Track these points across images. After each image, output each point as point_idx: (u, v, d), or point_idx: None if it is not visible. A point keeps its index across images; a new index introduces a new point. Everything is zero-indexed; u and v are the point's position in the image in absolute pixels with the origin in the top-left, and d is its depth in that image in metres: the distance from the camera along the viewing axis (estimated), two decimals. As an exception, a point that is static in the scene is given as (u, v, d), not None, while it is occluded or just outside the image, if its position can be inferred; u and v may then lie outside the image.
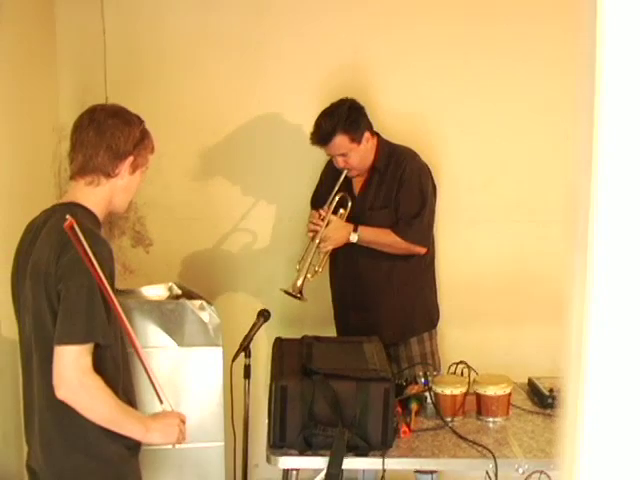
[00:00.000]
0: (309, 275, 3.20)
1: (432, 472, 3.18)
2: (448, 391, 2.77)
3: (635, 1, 0.74)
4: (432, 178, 3.33)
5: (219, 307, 2.82)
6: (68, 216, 1.89)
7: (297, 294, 3.16)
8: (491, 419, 2.78)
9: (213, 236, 3.78)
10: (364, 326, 3.20)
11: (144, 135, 2.19)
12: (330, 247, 3.21)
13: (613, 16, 0.73)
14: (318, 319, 3.51)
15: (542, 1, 3.57)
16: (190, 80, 3.68)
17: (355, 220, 3.24)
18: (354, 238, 3.18)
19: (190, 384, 2.72)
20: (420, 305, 3.38)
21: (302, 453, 2.50)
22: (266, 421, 2.61)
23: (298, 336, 2.94)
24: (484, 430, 2.72)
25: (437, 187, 3.45)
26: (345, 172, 3.22)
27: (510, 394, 2.82)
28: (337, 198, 3.25)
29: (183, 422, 2.14)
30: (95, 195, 2.14)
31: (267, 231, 3.79)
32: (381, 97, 3.64)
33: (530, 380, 3.08)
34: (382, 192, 3.26)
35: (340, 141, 3.13)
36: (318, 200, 3.37)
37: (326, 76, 3.63)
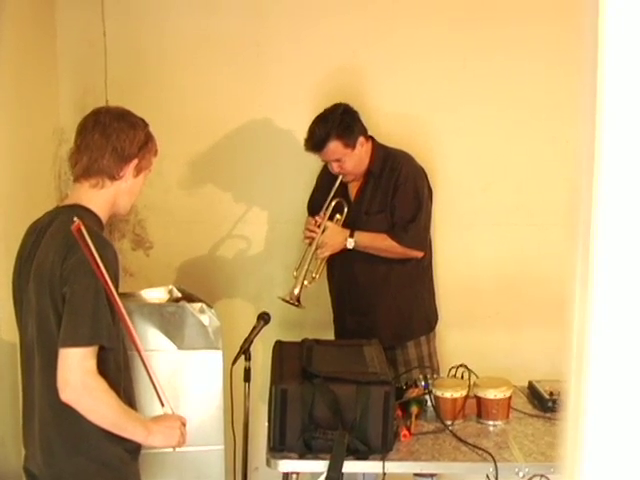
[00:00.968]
0: (306, 282, 3.20)
1: (431, 475, 3.18)
2: (448, 394, 2.77)
3: (636, 2, 0.74)
4: (428, 181, 3.33)
5: (219, 310, 2.81)
6: (76, 218, 1.90)
7: (295, 302, 3.16)
8: (491, 422, 2.78)
9: (213, 239, 3.78)
10: (361, 330, 3.20)
11: (148, 138, 2.20)
12: (327, 253, 3.21)
13: (615, 18, 0.73)
14: (318, 322, 3.51)
15: (540, 4, 3.58)
16: (190, 83, 3.69)
17: (351, 225, 3.24)
18: (350, 244, 3.18)
19: (190, 387, 2.71)
20: (417, 309, 3.38)
21: (302, 456, 2.50)
22: (266, 424, 2.60)
23: (298, 339, 2.93)
24: (484, 433, 2.72)
25: (436, 190, 3.45)
26: (340, 177, 3.22)
27: (510, 397, 2.82)
28: (333, 204, 3.24)
29: (184, 425, 2.14)
30: (99, 197, 2.14)
31: (267, 234, 3.79)
32: (379, 100, 3.64)
33: (530, 383, 3.07)
34: (378, 197, 3.25)
35: (334, 147, 3.13)
36: (314, 205, 3.37)
37: (324, 79, 3.63)
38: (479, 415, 2.81)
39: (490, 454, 2.51)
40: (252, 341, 2.97)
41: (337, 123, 3.11)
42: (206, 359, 2.73)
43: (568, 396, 0.86)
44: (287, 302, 3.17)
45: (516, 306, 3.78)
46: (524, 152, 3.73)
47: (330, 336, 3.43)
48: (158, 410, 2.11)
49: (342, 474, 2.46)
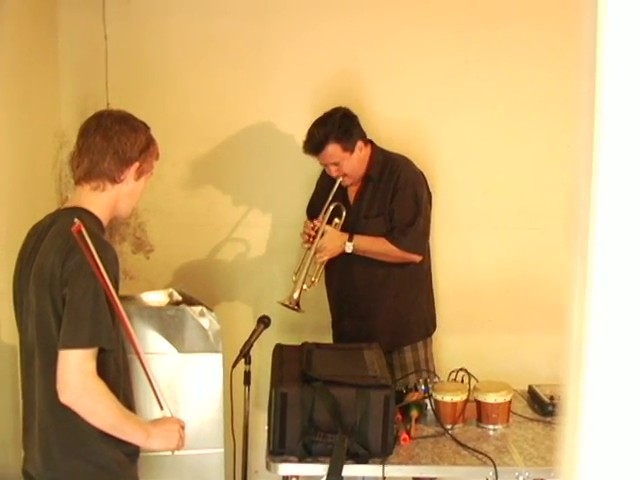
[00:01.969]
0: (305, 286, 3.20)
1: (431, 479, 3.17)
2: (448, 398, 2.77)
3: (636, 4, 0.74)
4: (427, 186, 3.33)
5: (219, 313, 2.81)
6: (76, 220, 1.90)
7: (294, 306, 3.16)
8: (491, 426, 2.77)
9: (214, 242, 3.78)
10: (359, 334, 3.19)
11: (150, 141, 2.20)
12: (326, 257, 3.21)
13: (614, 20, 0.73)
14: (318, 326, 3.51)
15: (540, 7, 3.58)
16: (191, 86, 3.69)
17: (350, 228, 3.24)
18: (349, 248, 3.18)
19: (190, 390, 2.71)
20: (415, 314, 3.37)
21: (302, 460, 2.50)
22: (266, 428, 2.60)
23: (298, 343, 2.94)
24: (484, 437, 2.71)
25: (437, 194, 3.45)
26: (339, 181, 3.22)
27: (510, 401, 2.81)
28: (332, 208, 3.24)
29: (183, 428, 2.14)
30: (100, 200, 2.15)
31: (267, 237, 3.80)
32: (380, 104, 3.64)
33: (530, 387, 3.07)
34: (376, 200, 3.25)
35: (332, 150, 3.13)
36: (313, 209, 3.37)
37: (325, 83, 3.64)
38: (479, 419, 2.80)
39: (490, 458, 2.51)
40: (252, 344, 2.97)
41: (336, 126, 3.12)
42: (206, 362, 2.74)
43: (567, 400, 0.86)
44: (286, 306, 3.17)
45: (516, 310, 3.78)
46: (525, 156, 3.73)
47: (330, 340, 3.43)
48: (157, 413, 2.11)
49: (342, 478, 2.45)
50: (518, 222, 3.76)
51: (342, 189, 3.28)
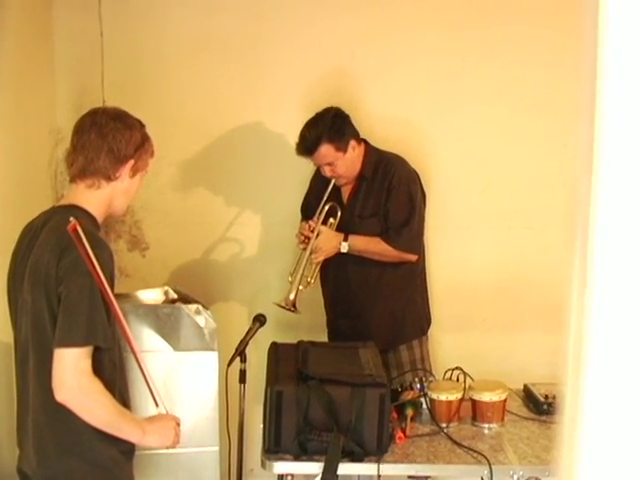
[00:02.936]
0: (301, 287, 3.20)
1: (426, 478, 3.18)
2: (443, 397, 2.77)
3: (636, 2, 0.74)
4: (421, 185, 3.32)
5: (215, 311, 2.81)
6: (72, 218, 1.89)
7: (290, 307, 3.16)
8: (486, 425, 2.78)
9: (210, 240, 3.78)
10: (354, 333, 3.19)
11: (145, 139, 2.20)
12: (321, 258, 3.21)
13: (616, 19, 0.72)
14: (314, 324, 3.51)
15: (537, 5, 3.58)
16: (187, 84, 3.69)
17: (345, 228, 3.24)
18: (345, 248, 3.18)
19: (185, 388, 2.71)
20: (410, 312, 3.37)
21: (297, 458, 2.50)
22: (261, 426, 2.60)
23: (294, 341, 2.93)
24: (479, 436, 2.72)
25: (433, 193, 3.45)
26: (333, 181, 3.22)
27: (505, 400, 2.82)
28: (326, 208, 3.24)
29: (178, 425, 2.14)
30: (95, 198, 2.14)
31: (263, 236, 3.79)
32: (377, 103, 3.64)
33: (526, 386, 3.08)
34: (371, 200, 3.25)
35: (325, 150, 3.12)
36: (308, 208, 3.37)
37: (321, 82, 3.64)
38: (474, 418, 2.81)
39: (485, 457, 2.51)
40: (248, 343, 2.97)
41: (328, 127, 3.10)
42: (201, 360, 2.74)
43: (565, 400, 0.85)
44: (283, 308, 3.17)
45: (512, 309, 3.78)
46: (521, 155, 3.74)
47: (325, 338, 3.43)
48: (153, 410, 2.11)
49: (337, 476, 2.45)
50: (514, 221, 3.76)
51: (336, 188, 3.27)
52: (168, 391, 2.56)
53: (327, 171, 3.19)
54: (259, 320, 3.02)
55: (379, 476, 2.51)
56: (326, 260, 3.24)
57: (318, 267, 3.28)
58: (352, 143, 3.18)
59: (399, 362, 3.30)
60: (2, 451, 2.83)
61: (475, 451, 2.56)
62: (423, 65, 3.68)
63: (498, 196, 3.75)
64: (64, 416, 1.98)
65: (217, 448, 2.78)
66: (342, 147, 3.14)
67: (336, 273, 3.33)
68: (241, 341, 2.97)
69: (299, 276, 3.19)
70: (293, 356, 2.75)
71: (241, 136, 3.72)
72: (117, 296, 2.06)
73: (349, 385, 2.52)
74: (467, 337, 3.76)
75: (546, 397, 2.89)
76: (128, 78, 3.64)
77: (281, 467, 2.53)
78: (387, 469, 2.50)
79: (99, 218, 2.16)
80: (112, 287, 2.00)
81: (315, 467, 2.46)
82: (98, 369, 1.99)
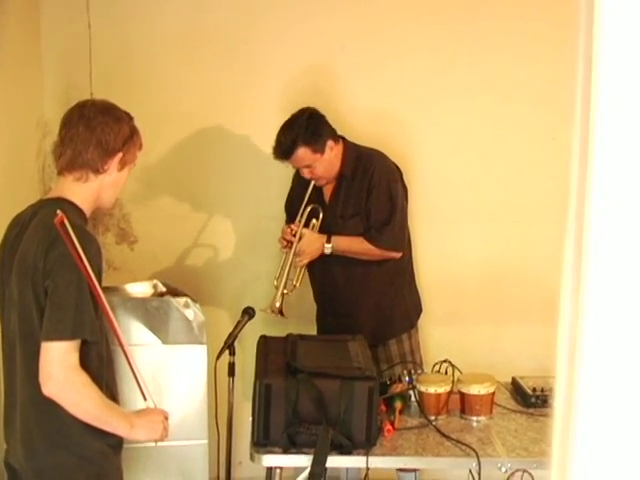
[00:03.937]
0: (286, 291, 3.20)
1: (414, 470, 3.19)
2: (432, 390, 2.78)
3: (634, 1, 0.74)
4: (402, 180, 3.30)
5: (204, 305, 2.81)
6: (59, 211, 1.89)
7: (277, 314, 3.16)
8: (475, 418, 2.79)
9: (198, 234, 3.77)
10: (343, 330, 3.18)
11: (133, 132, 2.19)
12: (305, 261, 3.20)
13: (612, 14, 0.72)
14: (303, 318, 3.51)
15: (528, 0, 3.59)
16: (176, 76, 3.67)
17: (327, 229, 3.22)
18: (328, 250, 3.17)
19: (174, 382, 2.71)
20: (398, 307, 3.37)
21: (286, 451, 2.50)
22: (250, 419, 2.60)
23: (283, 334, 2.93)
24: (467, 429, 2.73)
25: (421, 187, 3.46)
26: (313, 182, 3.21)
27: (494, 393, 2.83)
28: (308, 209, 3.23)
29: (166, 419, 2.14)
30: (83, 191, 2.13)
31: (252, 229, 3.79)
32: (365, 98, 3.65)
33: (514, 379, 3.09)
34: (352, 200, 3.23)
35: (302, 154, 3.09)
36: (291, 206, 3.36)
37: (312, 77, 3.63)
38: (462, 410, 2.82)
39: (473, 449, 2.52)
40: (236, 336, 2.97)
41: (303, 129, 3.07)
42: (190, 354, 2.74)
43: (557, 392, 0.85)
44: (269, 314, 3.17)
45: (500, 302, 3.79)
46: (510, 149, 3.74)
47: (314, 332, 3.43)
48: (141, 404, 2.10)
49: (326, 469, 2.46)
50: (503, 215, 3.77)
51: (317, 188, 3.26)
52: (157, 384, 2.56)
53: (306, 173, 3.17)
54: (248, 313, 3.02)
55: (367, 469, 2.52)
56: (312, 262, 3.23)
57: (303, 270, 3.27)
58: (329, 143, 3.14)
59: (389, 356, 3.31)
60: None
61: (463, 444, 2.57)
62: (413, 60, 3.68)
63: (486, 190, 3.76)
64: (52, 410, 1.98)
65: (206, 441, 2.78)
66: (319, 149, 3.11)
67: (322, 273, 3.32)
68: (230, 334, 2.97)
69: (284, 281, 3.19)
70: (282, 349, 2.75)
71: (230, 129, 3.71)
72: (105, 289, 2.06)
73: (338, 378, 2.52)
74: (455, 330, 3.77)
75: (534, 390, 2.90)
76: (116, 71, 3.62)
77: (270, 460, 2.53)
78: (376, 462, 2.50)
79: (87, 211, 2.15)
80: (100, 280, 2.00)
81: (304, 460, 2.46)
82: (85, 363, 1.98)
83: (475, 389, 2.78)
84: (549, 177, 3.54)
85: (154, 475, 2.73)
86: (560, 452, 0.82)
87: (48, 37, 3.59)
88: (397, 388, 2.86)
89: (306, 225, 3.21)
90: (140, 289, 3.01)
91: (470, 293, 3.79)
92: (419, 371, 3.01)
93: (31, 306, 2.00)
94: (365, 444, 2.50)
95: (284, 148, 3.08)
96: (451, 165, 3.75)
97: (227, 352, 2.96)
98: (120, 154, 2.14)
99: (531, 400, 2.88)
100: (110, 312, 1.99)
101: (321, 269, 3.30)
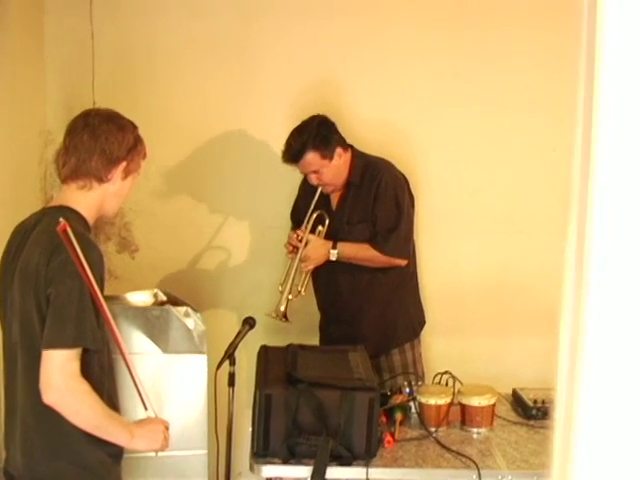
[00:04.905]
0: (291, 296, 3.20)
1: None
2: (432, 401, 2.77)
3: (635, 3, 0.74)
4: (409, 189, 3.32)
5: (204, 314, 2.80)
6: (62, 219, 1.89)
7: (281, 318, 3.16)
8: (475, 430, 2.78)
9: (199, 243, 3.77)
10: (346, 339, 3.18)
11: (137, 141, 2.20)
12: (311, 267, 3.21)
13: (614, 21, 0.72)
14: (304, 328, 3.50)
15: (529, 10, 3.60)
16: (178, 85, 3.68)
17: (333, 235, 3.23)
18: (334, 256, 3.18)
19: (174, 391, 2.70)
20: (402, 317, 3.38)
21: (285, 462, 2.49)
22: (250, 429, 2.59)
23: (283, 344, 2.93)
24: (468, 440, 2.72)
25: (423, 197, 3.45)
26: (320, 188, 3.22)
27: (494, 405, 2.82)
28: (314, 216, 3.24)
29: (167, 429, 2.14)
30: (86, 199, 2.13)
31: (253, 238, 3.79)
32: (367, 107, 3.65)
33: (514, 391, 3.08)
34: (359, 207, 3.25)
35: (311, 159, 3.12)
36: (297, 214, 3.37)
37: (312, 85, 3.64)
38: (463, 422, 2.81)
39: (473, 461, 2.51)
40: (237, 345, 2.96)
41: (313, 135, 3.10)
42: (191, 363, 2.73)
43: (558, 404, 0.85)
44: (274, 318, 3.18)
45: (501, 314, 3.79)
46: (511, 159, 3.75)
47: (316, 342, 3.43)
48: (141, 414, 2.10)
49: (325, 480, 2.45)
50: (504, 226, 3.77)
51: (324, 196, 3.27)
52: (157, 394, 2.55)
53: (313, 179, 3.19)
54: (248, 323, 3.02)
55: (367, 480, 2.51)
56: (316, 267, 3.24)
57: (308, 276, 3.28)
58: (338, 151, 3.17)
59: (391, 366, 3.31)
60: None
61: (464, 455, 2.56)
62: (414, 69, 3.69)
63: (488, 200, 3.76)
64: (52, 418, 1.97)
65: (205, 451, 2.77)
66: (328, 155, 3.14)
67: (327, 280, 3.33)
68: (230, 344, 2.96)
69: (289, 286, 3.20)
70: (282, 359, 2.74)
71: (232, 139, 3.72)
72: (106, 298, 2.05)
73: (338, 389, 2.51)
74: (456, 341, 3.76)
75: (535, 402, 2.89)
76: (119, 80, 3.64)
77: (269, 471, 2.52)
78: (376, 473, 2.49)
79: (90, 220, 2.15)
80: (102, 289, 1.99)
81: (304, 471, 2.45)
82: (86, 371, 1.98)
83: (476, 401, 2.77)
84: (551, 188, 3.54)
85: (153, 485, 2.72)
86: (560, 464, 0.81)
87: (51, 46, 3.60)
88: (397, 399, 2.86)
89: (312, 231, 3.22)
90: (141, 298, 3.01)
91: (471, 304, 3.79)
92: (419, 382, 3.00)
93: (33, 314, 2.00)
94: (365, 455, 2.50)
95: (293, 152, 3.11)
96: (452, 175, 3.75)
97: (227, 362, 2.95)
98: (124, 163, 2.15)
99: (532, 412, 2.87)
100: (112, 320, 1.99)
101: (326, 277, 3.30)
